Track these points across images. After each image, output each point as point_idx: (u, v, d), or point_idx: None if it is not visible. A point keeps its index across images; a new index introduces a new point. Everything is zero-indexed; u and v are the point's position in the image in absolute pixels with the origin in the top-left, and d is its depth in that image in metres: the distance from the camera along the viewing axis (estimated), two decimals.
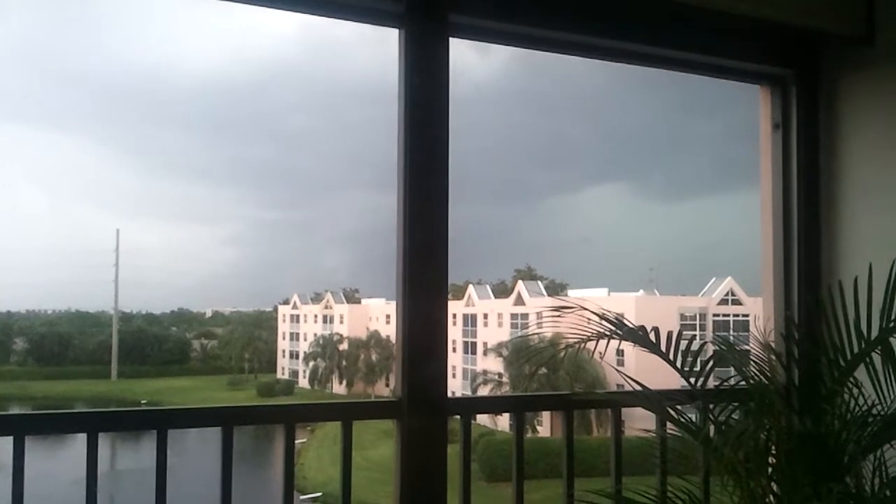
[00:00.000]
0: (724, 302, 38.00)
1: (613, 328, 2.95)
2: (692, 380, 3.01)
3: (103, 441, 2.74)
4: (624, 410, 3.42)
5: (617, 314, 3.09)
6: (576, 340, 2.97)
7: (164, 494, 2.77)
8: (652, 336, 2.98)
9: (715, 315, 37.19)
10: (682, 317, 35.93)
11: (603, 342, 3.01)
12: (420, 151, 3.03)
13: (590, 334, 2.94)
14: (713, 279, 39.14)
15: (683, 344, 3.03)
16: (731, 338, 3.26)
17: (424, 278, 3.01)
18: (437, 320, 3.03)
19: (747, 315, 34.57)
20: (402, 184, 3.02)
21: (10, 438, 2.59)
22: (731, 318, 36.69)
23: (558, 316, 3.00)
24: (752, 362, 3.09)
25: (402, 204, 3.02)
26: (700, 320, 36.78)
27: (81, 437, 2.67)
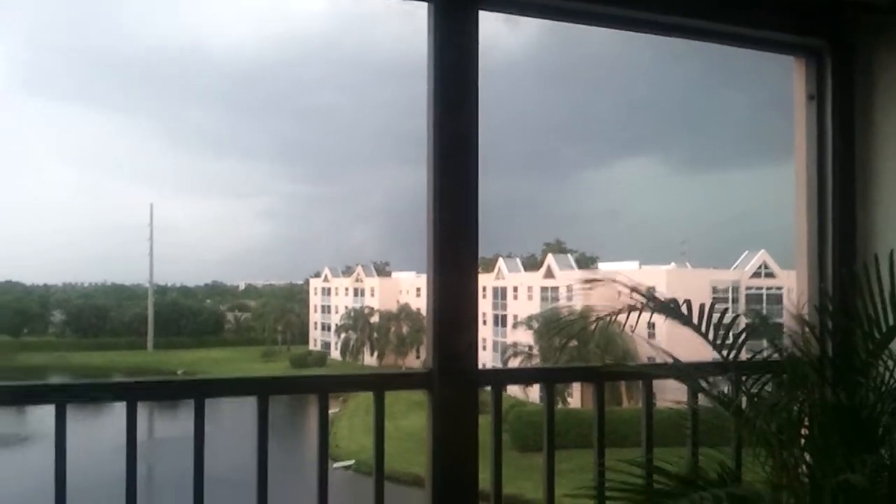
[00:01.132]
0: (757, 275, 37.61)
1: (645, 301, 2.94)
2: (724, 352, 3.00)
3: (141, 409, 2.80)
4: (655, 382, 3.42)
5: (648, 287, 3.09)
6: (607, 313, 2.97)
7: (202, 461, 2.84)
8: (684, 308, 2.97)
9: (748, 288, 36.84)
10: (715, 290, 35.59)
11: (634, 315, 3.01)
12: (450, 126, 3.03)
13: (621, 307, 2.93)
14: (746, 252, 38.75)
15: (715, 317, 3.02)
16: (764, 311, 3.24)
17: (455, 252, 3.03)
18: (467, 293, 3.05)
19: (781, 288, 34.19)
20: (432, 159, 3.03)
21: (52, 407, 2.67)
22: (764, 292, 36.33)
23: (589, 288, 3.01)
24: (785, 335, 3.08)
25: (432, 178, 3.04)
26: (733, 293, 36.44)
27: (120, 407, 2.74)
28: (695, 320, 2.95)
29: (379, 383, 3.15)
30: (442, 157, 3.02)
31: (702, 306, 2.96)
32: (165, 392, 3.39)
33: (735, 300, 35.81)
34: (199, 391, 2.89)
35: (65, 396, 2.71)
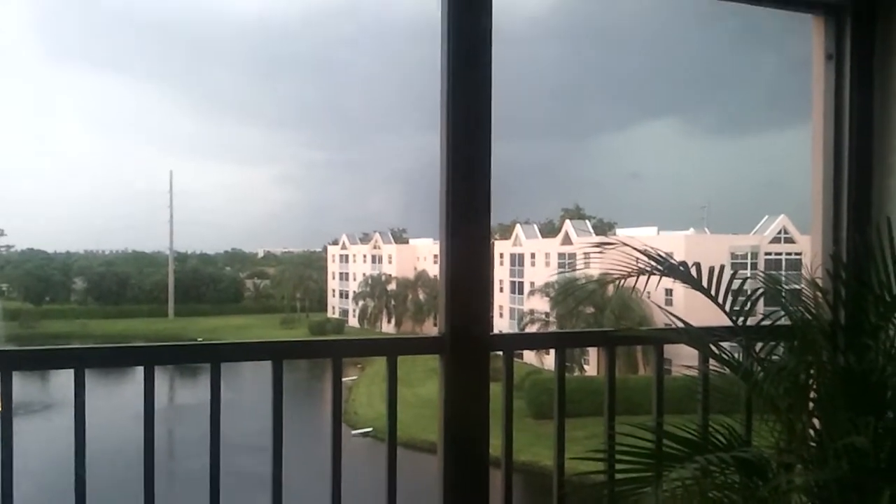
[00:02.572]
0: (776, 240, 37.32)
1: (654, 264, 2.94)
2: (735, 317, 3.00)
3: (162, 378, 2.86)
4: (670, 350, 3.43)
5: (665, 252, 3.08)
6: (616, 276, 2.97)
7: (219, 425, 2.90)
8: (693, 271, 2.97)
9: (767, 254, 36.57)
10: (734, 255, 35.34)
11: (649, 280, 3.01)
12: (461, 88, 3.02)
13: (630, 270, 2.94)
14: (766, 217, 38.40)
15: (729, 281, 3.01)
16: (783, 276, 3.22)
17: (467, 216, 3.04)
18: (480, 258, 3.07)
19: (800, 254, 33.95)
20: (445, 122, 3.03)
21: (72, 371, 2.73)
22: (783, 257, 36.08)
23: (600, 252, 3.01)
24: (797, 300, 3.07)
25: (444, 142, 3.04)
26: (752, 259, 36.20)
27: (140, 374, 2.79)
28: (704, 283, 2.95)
29: (392, 348, 3.19)
30: (454, 120, 3.02)
31: (711, 269, 2.95)
32: (182, 356, 3.45)
33: (754, 266, 35.57)
34: (216, 355, 2.95)
35: (83, 361, 2.77)
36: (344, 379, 3.17)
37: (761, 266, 35.73)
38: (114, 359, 3.03)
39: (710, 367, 3.26)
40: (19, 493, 2.68)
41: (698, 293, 3.03)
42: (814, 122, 3.87)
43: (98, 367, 2.88)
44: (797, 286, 3.20)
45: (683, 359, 3.34)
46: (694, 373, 3.31)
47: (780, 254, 36.57)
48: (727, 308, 2.97)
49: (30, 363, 3.11)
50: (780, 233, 37.56)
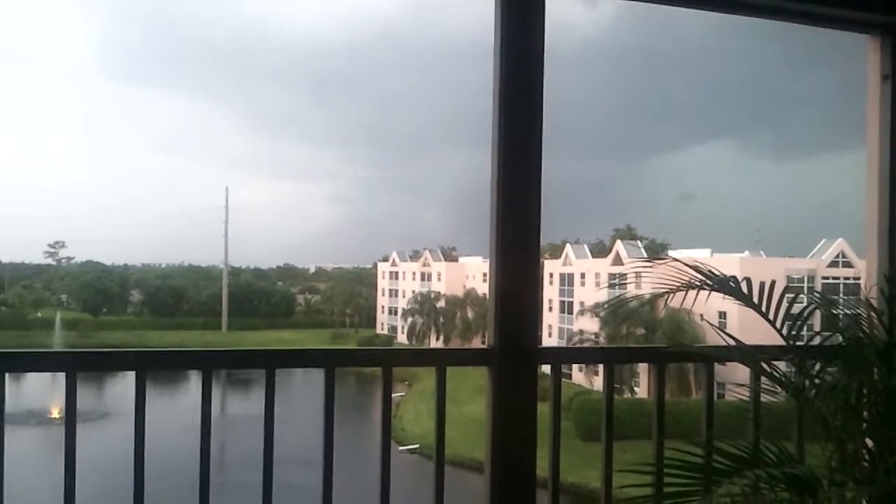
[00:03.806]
0: (834, 264, 36.45)
1: (703, 279, 2.94)
2: (786, 333, 2.98)
3: (214, 390, 2.93)
4: (724, 373, 3.39)
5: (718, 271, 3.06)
6: (663, 291, 2.97)
7: (272, 429, 2.97)
8: (744, 286, 2.95)
9: (824, 278, 35.73)
10: (790, 279, 34.61)
11: (698, 296, 3.00)
12: (513, 110, 3.06)
13: (679, 285, 2.93)
14: (823, 240, 37.56)
15: (780, 297, 2.99)
16: (840, 299, 3.18)
17: (517, 229, 3.07)
18: (528, 272, 3.10)
19: (858, 278, 33.10)
20: (496, 142, 3.08)
21: (131, 384, 2.83)
22: (840, 282, 35.21)
23: (650, 267, 3.02)
24: (850, 320, 3.04)
25: (495, 162, 3.08)
26: (808, 283, 35.40)
27: (192, 385, 2.87)
28: (755, 300, 2.93)
29: (441, 358, 3.24)
30: (505, 139, 3.06)
31: (762, 284, 2.94)
32: (238, 361, 3.53)
33: (811, 290, 34.81)
34: (270, 361, 3.02)
35: (144, 363, 2.87)
36: (392, 395, 3.22)
37: (819, 290, 34.89)
38: (172, 362, 3.13)
39: (762, 386, 3.22)
40: (79, 496, 2.78)
41: (753, 315, 3.00)
42: (868, 143, 3.82)
43: (157, 369, 2.99)
44: (851, 306, 3.16)
45: (738, 380, 3.30)
46: (746, 391, 3.28)
47: (837, 278, 35.69)
48: (778, 325, 2.95)
49: (93, 364, 3.23)
50: (837, 256, 36.69)
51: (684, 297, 2.96)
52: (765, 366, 3.01)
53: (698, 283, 2.93)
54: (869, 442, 2.77)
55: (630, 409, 19.28)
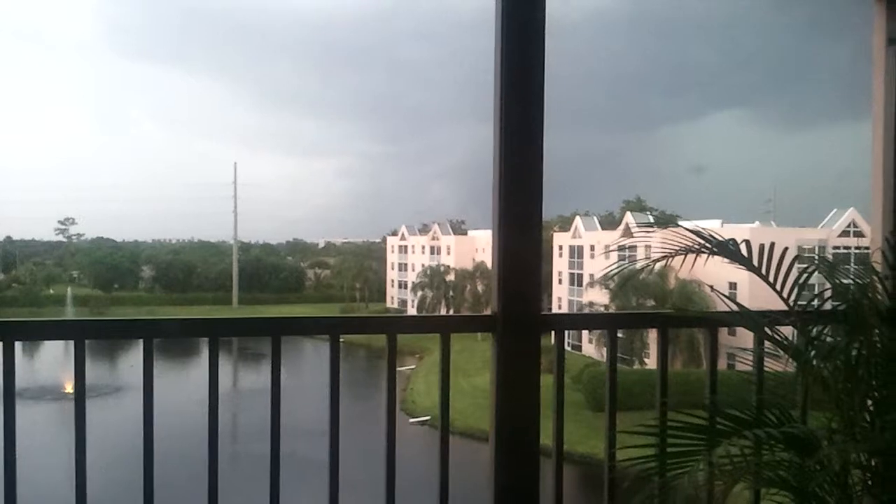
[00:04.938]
0: (845, 234, 36.28)
1: (703, 241, 2.94)
2: (788, 297, 2.98)
3: (225, 364, 2.96)
4: (736, 343, 3.39)
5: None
6: (662, 256, 2.98)
7: (279, 397, 3.01)
8: (743, 248, 2.95)
9: (835, 247, 35.56)
10: (800, 249, 34.39)
11: (710, 267, 3.01)
12: (513, 81, 3.06)
13: (678, 248, 2.94)
14: (834, 210, 37.36)
15: (779, 260, 3.00)
16: (851, 270, 3.17)
17: (520, 199, 3.09)
18: (531, 239, 3.12)
19: (868, 248, 32.93)
20: (497, 111, 3.08)
21: (141, 341, 2.87)
22: (852, 251, 35.04)
23: (651, 232, 3.03)
24: (853, 283, 3.05)
25: (497, 130, 3.09)
26: (819, 252, 35.26)
27: (202, 359, 2.90)
28: (755, 262, 2.94)
29: (445, 325, 3.28)
30: (506, 110, 3.07)
31: (762, 246, 2.94)
32: (244, 329, 3.58)
33: (823, 259, 34.54)
34: (276, 329, 3.06)
35: (152, 331, 2.91)
36: (402, 368, 3.26)
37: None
38: (180, 330, 3.16)
39: (765, 350, 3.24)
40: (91, 471, 2.83)
41: (762, 284, 3.00)
42: (874, 110, 3.79)
43: (164, 336, 3.02)
44: (854, 270, 3.17)
45: (748, 353, 3.31)
46: (749, 356, 3.29)
47: (848, 247, 35.51)
48: (778, 287, 2.95)
49: (102, 332, 3.27)
50: (849, 226, 36.51)
51: (685, 262, 2.96)
52: (767, 330, 3.02)
53: (697, 247, 2.93)
54: (869, 403, 2.79)
55: (640, 380, 19.34)
